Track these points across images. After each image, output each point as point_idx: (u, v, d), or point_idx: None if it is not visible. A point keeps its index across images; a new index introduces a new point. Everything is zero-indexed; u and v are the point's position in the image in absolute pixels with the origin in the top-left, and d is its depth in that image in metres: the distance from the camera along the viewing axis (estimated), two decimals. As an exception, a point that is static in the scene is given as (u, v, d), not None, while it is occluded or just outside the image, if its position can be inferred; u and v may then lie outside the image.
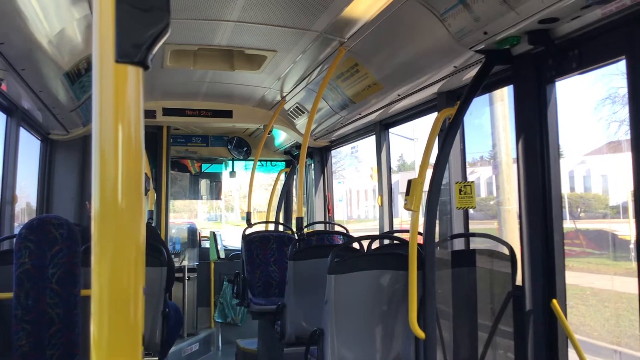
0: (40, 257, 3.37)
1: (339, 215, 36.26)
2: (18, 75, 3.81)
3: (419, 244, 3.46)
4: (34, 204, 5.88)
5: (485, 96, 6.44)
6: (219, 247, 8.77)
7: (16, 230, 4.20)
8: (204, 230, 10.56)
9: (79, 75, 4.30)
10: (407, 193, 3.45)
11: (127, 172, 0.85)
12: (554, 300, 3.19)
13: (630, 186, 2.70)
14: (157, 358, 4.22)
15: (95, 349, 0.82)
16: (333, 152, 7.85)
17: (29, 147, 5.68)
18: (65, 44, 3.71)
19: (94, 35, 0.85)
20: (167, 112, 6.68)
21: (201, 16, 4.03)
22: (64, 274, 3.38)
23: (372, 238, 4.86)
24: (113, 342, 0.82)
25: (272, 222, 8.12)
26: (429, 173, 3.48)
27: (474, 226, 4.60)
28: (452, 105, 3.57)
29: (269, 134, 7.20)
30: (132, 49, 0.86)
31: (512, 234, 7.63)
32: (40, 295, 3.34)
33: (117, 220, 0.85)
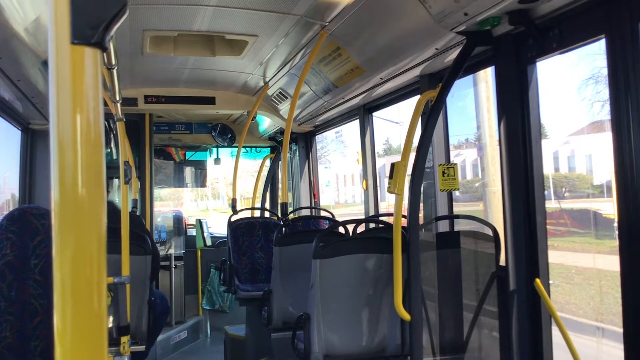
0: (23, 248, 3.34)
1: (327, 200, 36.28)
2: (-6, 64, 3.76)
3: (403, 227, 3.46)
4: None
5: (470, 78, 6.44)
6: (205, 234, 8.76)
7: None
8: (191, 218, 10.53)
9: (57, 64, 4.23)
10: (391, 176, 3.45)
11: (86, 159, 0.83)
12: (537, 280, 3.22)
13: (612, 165, 2.72)
14: (143, 347, 4.21)
15: (58, 340, 0.81)
16: (318, 137, 7.83)
17: (11, 137, 5.61)
18: (42, 32, 3.65)
19: (48, 15, 0.82)
20: (149, 99, 6.62)
21: (179, 1, 3.98)
22: (47, 265, 3.36)
23: (357, 222, 4.87)
24: (76, 333, 0.81)
25: (257, 209, 8.12)
26: (412, 156, 3.48)
27: (460, 208, 4.63)
28: (434, 88, 3.57)
29: (252, 120, 7.16)
30: (88, 29, 0.83)
31: (498, 215, 7.66)
32: (24, 287, 3.31)
33: (77, 210, 0.83)
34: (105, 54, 1.92)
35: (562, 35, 2.95)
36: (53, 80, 0.82)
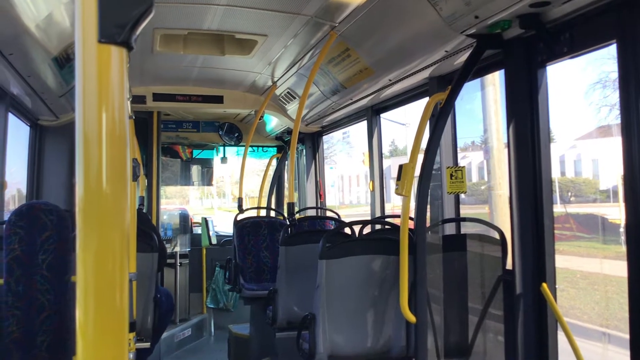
0: (30, 244, 3.36)
1: (332, 200, 36.29)
2: (6, 60, 3.77)
3: (410, 229, 3.46)
4: (25, 190, 5.84)
5: (477, 81, 6.43)
6: (211, 233, 8.77)
7: (6, 217, 4.18)
8: (196, 216, 10.56)
9: (67, 60, 4.25)
10: (399, 178, 3.46)
11: (111, 156, 0.84)
12: (544, 284, 3.21)
13: (619, 170, 2.72)
14: (148, 344, 4.22)
15: (81, 335, 0.81)
16: (325, 138, 7.84)
17: (19, 133, 5.63)
18: (53, 28, 3.66)
19: (76, 15, 0.83)
20: (158, 97, 6.65)
21: (190, 0, 3.99)
22: (54, 260, 3.38)
23: (364, 223, 4.87)
24: (98, 328, 0.82)
25: (263, 208, 8.13)
26: (420, 158, 3.48)
27: (465, 211, 4.62)
28: (444, 90, 3.57)
29: (260, 119, 7.17)
30: (115, 29, 0.84)
31: (504, 219, 7.66)
32: (31, 282, 3.33)
33: (101, 207, 0.84)
34: None
35: (573, 39, 2.95)
36: (79, 78, 0.84)
